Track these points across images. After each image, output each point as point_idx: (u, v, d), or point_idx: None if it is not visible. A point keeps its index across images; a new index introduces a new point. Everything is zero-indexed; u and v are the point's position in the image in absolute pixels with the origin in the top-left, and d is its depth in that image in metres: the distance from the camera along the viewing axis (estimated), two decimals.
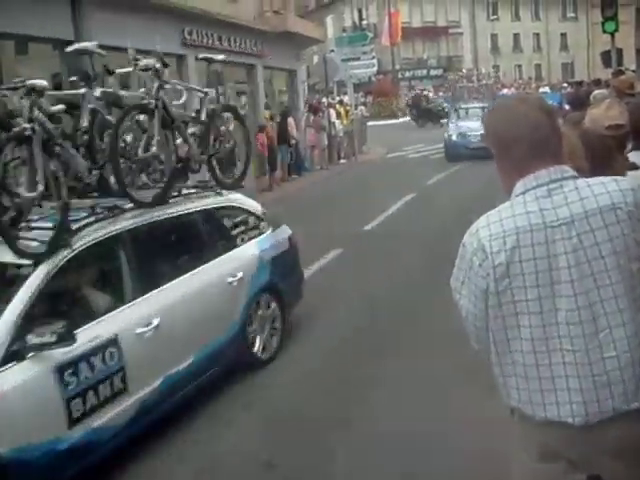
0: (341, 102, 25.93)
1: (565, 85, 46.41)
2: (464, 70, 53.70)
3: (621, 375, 2.06)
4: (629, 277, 2.06)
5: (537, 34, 70.69)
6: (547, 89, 45.03)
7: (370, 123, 33.72)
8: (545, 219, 2.08)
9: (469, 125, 22.13)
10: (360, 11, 63.20)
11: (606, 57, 18.54)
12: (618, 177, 2.20)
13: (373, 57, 25.80)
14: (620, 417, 2.07)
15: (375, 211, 13.81)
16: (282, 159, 19.04)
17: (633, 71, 20.48)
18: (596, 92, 8.86)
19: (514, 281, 2.09)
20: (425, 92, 46.06)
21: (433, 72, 61.99)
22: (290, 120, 19.70)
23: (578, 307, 2.06)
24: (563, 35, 71.14)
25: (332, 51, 27.50)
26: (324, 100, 24.21)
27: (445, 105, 41.16)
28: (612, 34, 16.97)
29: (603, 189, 2.10)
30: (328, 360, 6.44)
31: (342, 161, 23.42)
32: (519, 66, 69.29)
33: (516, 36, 69.75)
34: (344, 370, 6.15)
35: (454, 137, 22.65)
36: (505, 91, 46.25)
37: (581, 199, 2.09)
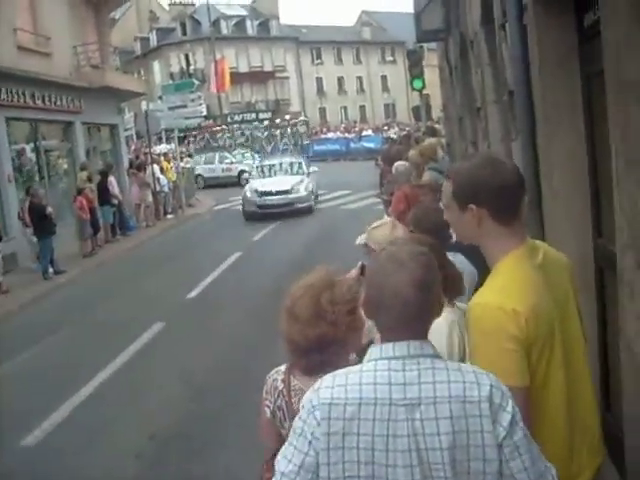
0: (165, 155, 25.64)
1: (386, 128, 48.80)
2: (287, 117, 53.83)
3: None
4: (465, 475, 1.92)
5: (360, 77, 73.92)
6: (370, 132, 47.04)
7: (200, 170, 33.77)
8: (392, 395, 1.94)
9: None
10: (187, 57, 63.75)
11: (416, 112, 19.64)
12: (478, 368, 2.06)
13: (200, 104, 25.74)
14: None
15: (200, 274, 13.62)
16: (105, 220, 18.48)
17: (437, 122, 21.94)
18: (397, 164, 9.29)
19: (347, 454, 1.94)
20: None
21: (262, 115, 62.93)
22: (111, 179, 19.19)
23: None
24: (384, 77, 74.89)
25: (160, 97, 27.26)
26: (143, 157, 23.81)
27: None
28: (420, 91, 18.03)
29: (459, 377, 1.97)
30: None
31: (169, 216, 23.03)
32: (344, 108, 71.99)
33: (340, 79, 72.56)
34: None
35: (248, 194, 21.52)
36: (330, 134, 47.73)
37: (434, 382, 1.95)
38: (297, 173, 22.80)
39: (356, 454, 1.93)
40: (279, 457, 2.04)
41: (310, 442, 1.96)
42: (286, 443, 2.04)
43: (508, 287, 2.20)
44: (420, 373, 1.96)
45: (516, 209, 2.31)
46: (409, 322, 2.00)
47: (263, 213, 20.56)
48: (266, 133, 43.33)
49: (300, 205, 20.94)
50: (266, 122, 49.78)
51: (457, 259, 3.57)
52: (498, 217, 2.27)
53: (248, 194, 21.43)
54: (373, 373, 1.98)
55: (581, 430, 2.33)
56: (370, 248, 3.76)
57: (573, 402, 2.30)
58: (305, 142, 43.40)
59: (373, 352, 2.04)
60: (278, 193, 20.97)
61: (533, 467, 1.93)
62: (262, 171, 23.91)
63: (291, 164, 23.65)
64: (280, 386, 2.72)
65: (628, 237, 2.68)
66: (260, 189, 21.22)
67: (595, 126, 4.01)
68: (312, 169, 24.06)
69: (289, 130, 37.64)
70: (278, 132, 43.16)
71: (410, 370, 1.96)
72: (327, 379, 2.03)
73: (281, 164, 23.94)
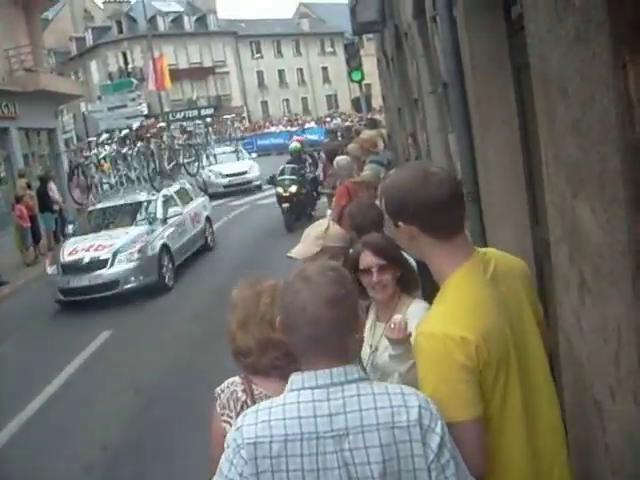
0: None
1: (328, 120, 48.85)
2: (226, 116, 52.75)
3: None
4: None
5: (300, 69, 73.82)
6: (313, 124, 47.04)
7: None
8: (318, 428, 1.88)
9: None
10: (125, 55, 62.72)
11: (356, 104, 19.70)
12: (406, 388, 2.01)
13: (140, 103, 25.31)
14: None
15: None
16: (47, 227, 18.08)
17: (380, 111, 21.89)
18: (339, 158, 9.31)
19: None
20: None
21: (204, 112, 62.30)
22: (51, 184, 18.78)
23: None
24: (324, 69, 74.92)
25: (99, 98, 26.78)
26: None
27: None
28: (359, 82, 18.07)
29: (387, 402, 1.91)
30: None
31: None
32: (287, 100, 71.84)
33: (281, 72, 72.40)
34: None
35: (213, 177, 25.76)
36: (273, 128, 47.55)
37: (360, 410, 1.89)
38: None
39: None
40: None
41: None
42: None
43: (455, 311, 2.08)
44: (345, 402, 1.90)
45: (452, 224, 2.17)
46: (322, 342, 1.93)
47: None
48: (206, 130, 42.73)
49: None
50: (208, 120, 48.89)
51: None
52: (432, 233, 2.15)
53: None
54: (297, 405, 1.92)
55: (549, 450, 2.25)
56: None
57: (535, 423, 2.20)
58: (239, 136, 42.72)
59: (295, 381, 1.97)
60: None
61: None
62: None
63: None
64: (242, 397, 2.61)
65: (560, 231, 2.69)
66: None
67: (528, 117, 4.04)
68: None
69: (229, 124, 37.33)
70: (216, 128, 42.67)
71: (335, 399, 1.90)
72: (249, 415, 1.96)
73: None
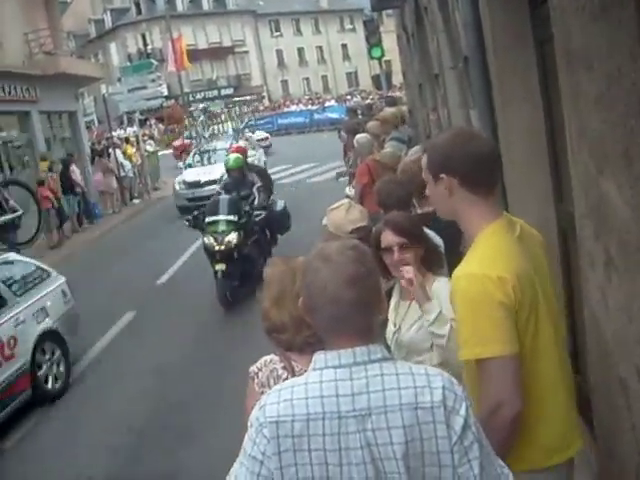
0: (127, 140, 25.27)
1: (349, 97, 48.60)
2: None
3: None
4: None
5: (320, 47, 73.31)
6: (333, 102, 46.84)
7: (165, 152, 33.13)
8: (340, 407, 1.86)
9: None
10: (144, 37, 62.61)
11: (377, 81, 19.54)
12: (431, 369, 1.99)
13: (160, 84, 25.31)
14: None
15: (169, 259, 13.53)
16: (70, 210, 18.22)
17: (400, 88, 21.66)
18: (359, 136, 9.23)
19: (300, 471, 1.87)
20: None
21: (224, 92, 62.29)
22: (73, 167, 18.88)
23: None
24: (344, 46, 74.34)
25: (119, 80, 26.79)
26: (105, 142, 23.40)
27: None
28: (379, 59, 17.90)
29: (410, 382, 1.88)
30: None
31: (135, 201, 22.76)
32: (307, 79, 71.48)
33: (300, 50, 71.95)
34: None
35: (177, 187, 19.58)
36: (293, 107, 47.38)
37: (384, 390, 1.87)
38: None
39: (310, 470, 1.87)
40: (231, 477, 1.97)
41: (262, 462, 1.89)
42: (237, 463, 1.96)
43: (491, 256, 2.20)
44: (368, 382, 1.88)
45: (489, 182, 2.30)
46: (344, 322, 1.91)
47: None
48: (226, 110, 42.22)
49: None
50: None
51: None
52: (470, 187, 2.25)
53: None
54: (319, 385, 1.90)
55: (571, 390, 2.40)
56: (327, 230, 3.72)
57: (563, 363, 2.36)
58: (250, 119, 41.04)
59: (318, 360, 1.95)
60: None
61: (482, 473, 1.87)
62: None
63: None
64: (283, 374, 2.61)
65: (585, 207, 2.65)
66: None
67: (551, 92, 3.97)
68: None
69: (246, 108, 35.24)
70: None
71: (358, 379, 1.88)
72: (273, 394, 1.95)
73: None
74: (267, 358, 2.70)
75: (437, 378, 1.91)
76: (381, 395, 1.87)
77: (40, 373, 7.51)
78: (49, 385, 7.67)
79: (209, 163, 20.66)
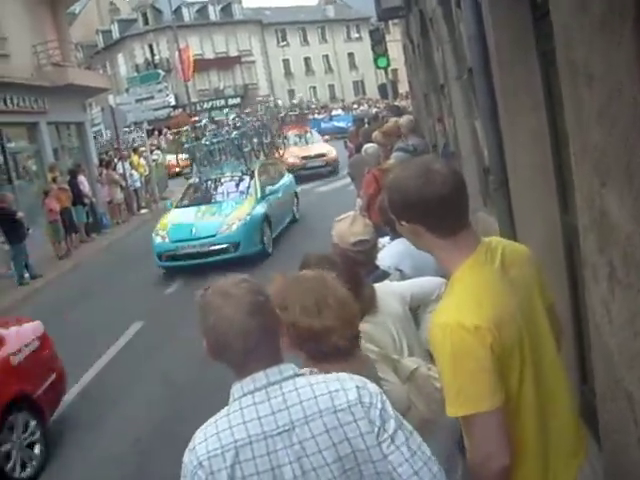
0: (135, 150, 25.35)
1: (356, 106, 48.67)
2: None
3: None
4: None
5: (326, 56, 73.55)
6: (340, 111, 46.91)
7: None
8: (264, 428, 1.92)
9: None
10: (151, 47, 62.93)
11: (382, 90, 19.58)
12: (342, 375, 2.05)
13: (168, 94, 25.41)
14: None
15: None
16: (78, 220, 18.23)
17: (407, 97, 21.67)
18: (366, 146, 9.25)
19: None
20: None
21: (231, 101, 62.46)
22: (81, 178, 18.92)
23: None
24: (350, 55, 74.54)
25: (127, 90, 26.92)
26: (112, 152, 23.43)
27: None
28: (385, 69, 17.95)
29: (325, 389, 1.96)
30: None
31: (143, 211, 22.73)
32: (313, 88, 71.62)
33: (307, 59, 72.18)
34: None
35: (158, 238, 13.23)
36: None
37: (301, 402, 1.94)
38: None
39: None
40: None
41: None
42: None
43: (465, 302, 2.06)
44: (285, 398, 1.95)
45: (456, 220, 2.14)
46: (255, 351, 1.96)
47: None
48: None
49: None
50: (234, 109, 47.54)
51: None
52: (436, 232, 2.14)
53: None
54: (240, 412, 1.96)
55: (557, 435, 2.24)
56: (334, 242, 3.72)
57: (547, 410, 2.20)
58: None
59: (235, 391, 2.01)
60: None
61: (414, 457, 1.94)
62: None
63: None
64: None
65: (588, 219, 2.66)
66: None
67: (555, 103, 3.98)
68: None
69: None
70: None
71: (275, 397, 1.96)
72: (199, 434, 2.01)
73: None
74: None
75: (348, 381, 2.00)
76: (300, 407, 1.94)
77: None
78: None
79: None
